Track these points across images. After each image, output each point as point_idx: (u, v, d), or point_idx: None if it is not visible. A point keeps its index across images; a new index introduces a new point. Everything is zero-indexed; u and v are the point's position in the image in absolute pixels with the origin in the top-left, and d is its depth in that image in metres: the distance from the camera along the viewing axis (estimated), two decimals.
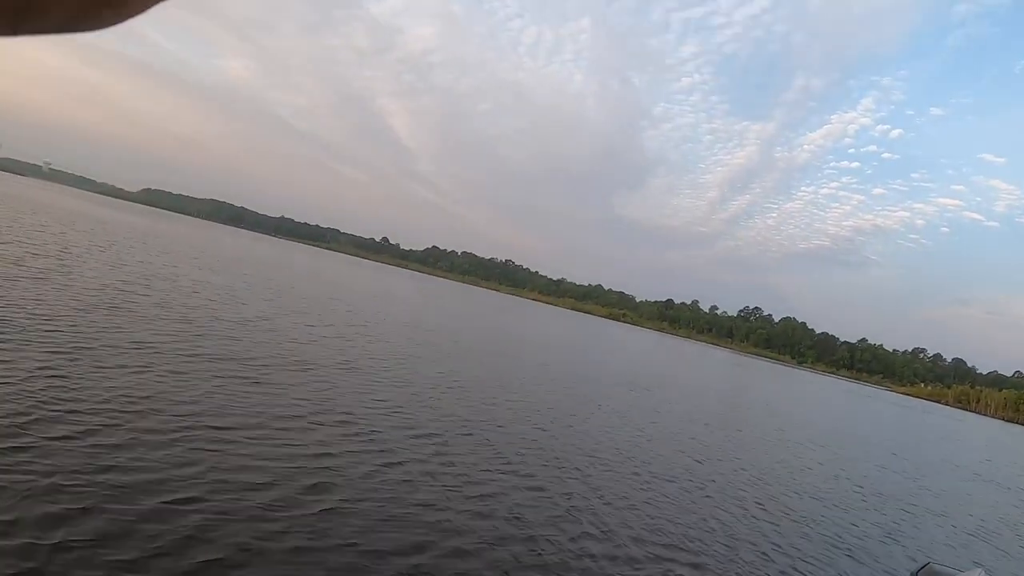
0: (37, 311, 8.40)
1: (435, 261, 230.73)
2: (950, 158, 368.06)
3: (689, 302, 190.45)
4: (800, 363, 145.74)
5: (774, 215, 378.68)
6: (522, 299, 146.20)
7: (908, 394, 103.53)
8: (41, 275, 11.46)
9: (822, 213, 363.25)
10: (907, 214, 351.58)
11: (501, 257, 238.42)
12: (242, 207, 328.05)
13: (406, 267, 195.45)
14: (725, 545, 5.97)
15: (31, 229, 20.16)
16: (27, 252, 14.12)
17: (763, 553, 6.03)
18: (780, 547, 6.33)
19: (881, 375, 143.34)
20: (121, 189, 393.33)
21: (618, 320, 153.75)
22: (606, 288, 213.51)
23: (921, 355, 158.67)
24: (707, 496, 7.61)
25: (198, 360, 8.01)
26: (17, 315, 7.89)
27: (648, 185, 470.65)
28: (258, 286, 20.73)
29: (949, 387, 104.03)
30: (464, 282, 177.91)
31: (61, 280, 11.47)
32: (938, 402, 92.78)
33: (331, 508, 4.55)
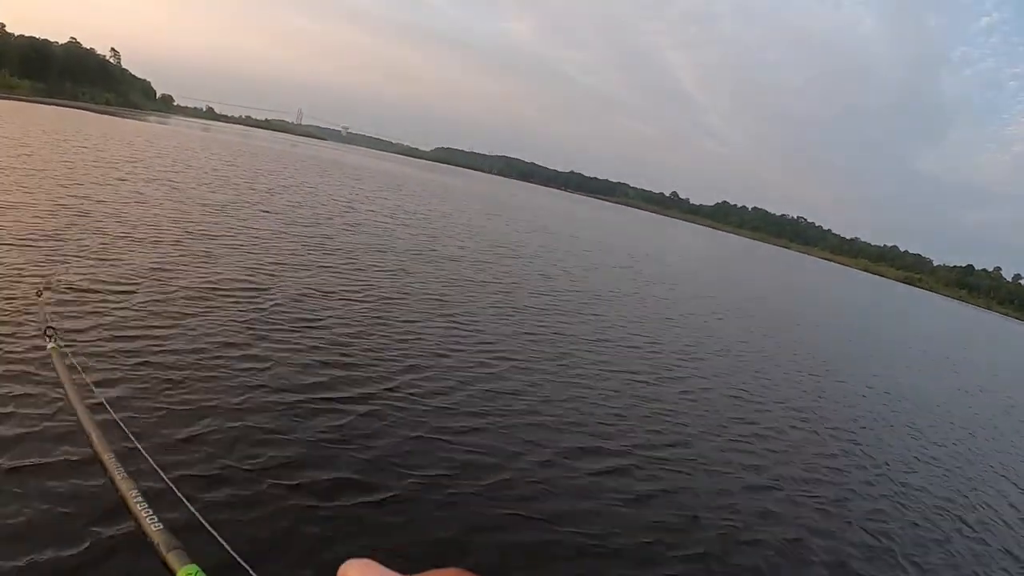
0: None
1: (725, 216, 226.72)
2: None
3: (990, 268, 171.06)
4: None
5: None
6: (814, 258, 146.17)
7: None
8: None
9: None
10: None
11: (793, 213, 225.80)
12: (532, 163, 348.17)
13: (696, 222, 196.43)
14: None
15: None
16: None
17: None
18: None
19: None
20: (416, 148, 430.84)
21: (913, 284, 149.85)
22: (901, 249, 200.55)
23: None
24: None
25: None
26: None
27: (945, 137, 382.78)
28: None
29: None
30: (754, 238, 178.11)
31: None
32: None
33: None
